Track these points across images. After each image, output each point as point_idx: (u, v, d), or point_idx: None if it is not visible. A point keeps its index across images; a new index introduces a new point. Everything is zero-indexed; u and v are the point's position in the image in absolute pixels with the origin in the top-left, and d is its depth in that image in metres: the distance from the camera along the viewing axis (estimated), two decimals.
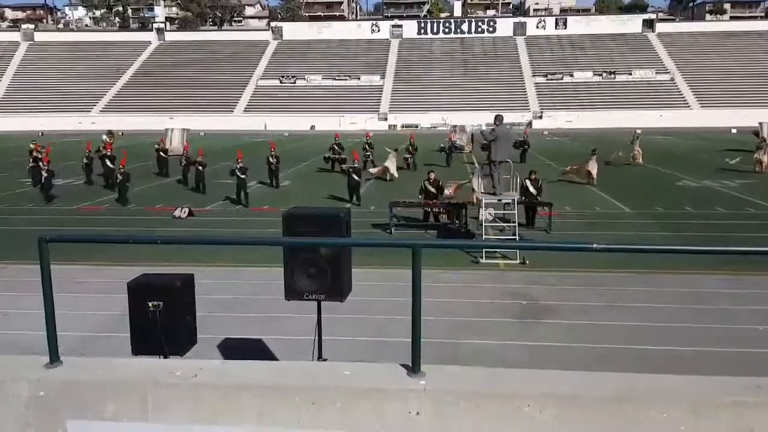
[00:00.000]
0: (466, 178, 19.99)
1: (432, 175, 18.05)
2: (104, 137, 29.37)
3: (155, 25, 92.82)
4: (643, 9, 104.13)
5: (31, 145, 28.84)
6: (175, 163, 27.78)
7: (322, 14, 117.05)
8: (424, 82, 77.37)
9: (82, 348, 8.33)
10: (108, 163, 24.98)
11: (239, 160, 21.03)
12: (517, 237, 13.94)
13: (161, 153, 29.16)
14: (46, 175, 22.16)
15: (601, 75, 76.53)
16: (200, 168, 23.42)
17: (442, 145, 34.01)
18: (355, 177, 21.22)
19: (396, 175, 26.17)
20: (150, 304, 4.96)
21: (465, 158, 32.30)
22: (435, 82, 77.12)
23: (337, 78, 79.07)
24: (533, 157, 32.97)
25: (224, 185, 23.24)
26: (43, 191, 22.30)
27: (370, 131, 42.07)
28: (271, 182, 24.96)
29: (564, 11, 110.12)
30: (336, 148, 29.69)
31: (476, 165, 16.14)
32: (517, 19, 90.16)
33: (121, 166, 21.84)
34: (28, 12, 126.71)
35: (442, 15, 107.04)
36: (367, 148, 29.83)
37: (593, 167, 24.61)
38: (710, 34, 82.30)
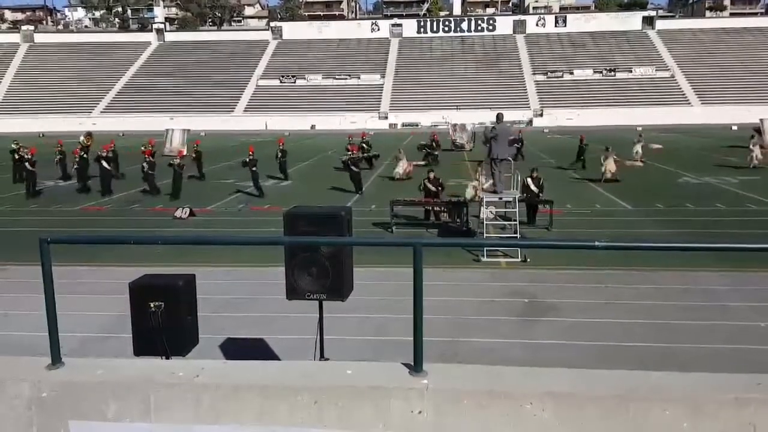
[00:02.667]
0: (463, 177, 19.99)
1: (432, 174, 18.06)
2: (82, 138, 29.00)
3: (155, 26, 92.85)
4: (642, 6, 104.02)
5: (13, 145, 27.52)
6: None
7: (322, 14, 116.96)
8: (425, 80, 77.38)
9: (83, 349, 8.34)
10: (104, 164, 23.54)
11: (251, 153, 22.29)
12: (518, 235, 13.94)
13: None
14: (77, 166, 22.71)
15: (601, 72, 76.53)
16: (177, 169, 22.03)
17: (423, 142, 33.56)
18: (354, 168, 22.10)
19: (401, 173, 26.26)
20: (151, 305, 4.96)
21: (466, 157, 32.23)
22: (435, 80, 77.13)
23: (337, 77, 79.10)
24: (535, 155, 32.91)
25: (223, 185, 23.23)
26: (80, 181, 23.03)
27: (370, 130, 42.10)
28: (285, 177, 26.33)
29: (564, 9, 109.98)
30: (365, 146, 29.68)
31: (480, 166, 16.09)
32: (516, 17, 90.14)
33: (147, 156, 21.60)
34: (28, 13, 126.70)
35: (442, 13, 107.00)
36: (365, 147, 29.80)
37: (612, 164, 24.74)
38: (710, 31, 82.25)
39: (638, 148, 31.00)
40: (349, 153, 23.08)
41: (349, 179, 22.86)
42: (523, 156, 30.15)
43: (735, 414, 2.90)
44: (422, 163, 29.45)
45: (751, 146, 29.35)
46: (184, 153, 30.45)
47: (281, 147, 26.42)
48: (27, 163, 23.24)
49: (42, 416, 3.22)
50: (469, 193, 16.88)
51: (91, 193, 23.36)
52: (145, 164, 21.56)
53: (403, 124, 69.80)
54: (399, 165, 26.64)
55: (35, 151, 24.21)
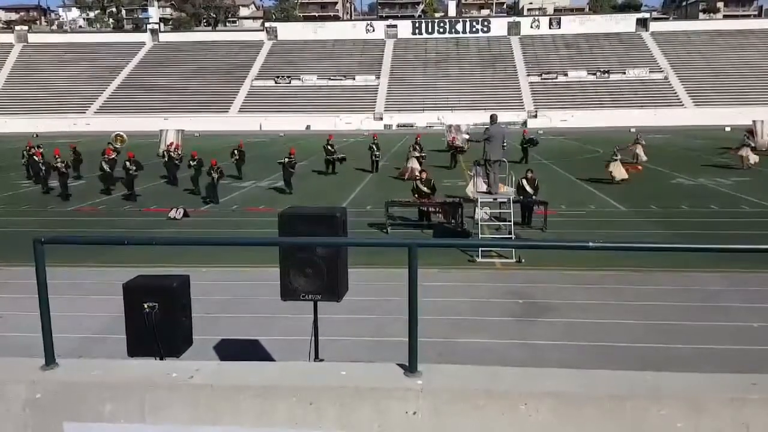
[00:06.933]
0: (458, 178, 20.00)
1: (424, 175, 18.07)
2: (113, 137, 29.12)
3: (149, 26, 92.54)
4: (636, 8, 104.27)
5: (37, 147, 27.88)
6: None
7: (317, 14, 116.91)
8: (420, 81, 77.40)
9: (78, 350, 8.30)
10: (131, 167, 22.31)
11: (292, 155, 23.77)
12: (513, 236, 13.97)
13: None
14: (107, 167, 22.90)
15: (595, 74, 76.68)
16: (214, 173, 21.30)
17: (454, 143, 33.18)
18: (290, 169, 23.43)
19: (412, 172, 25.92)
20: (145, 306, 4.94)
21: (461, 158, 32.22)
22: (430, 81, 77.17)
23: (332, 78, 79.00)
24: (530, 156, 32.89)
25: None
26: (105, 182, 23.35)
27: (365, 131, 41.96)
28: (238, 175, 27.18)
29: (558, 11, 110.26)
30: (330, 148, 29.70)
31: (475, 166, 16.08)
32: (511, 19, 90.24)
33: (213, 165, 21.37)
34: (22, 14, 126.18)
35: (437, 15, 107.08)
36: (375, 149, 29.72)
37: (616, 168, 24.67)
38: (704, 33, 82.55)
39: (639, 150, 31.09)
40: (291, 156, 23.63)
41: (329, 179, 23.04)
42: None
43: (730, 413, 2.91)
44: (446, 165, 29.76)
45: (741, 149, 29.55)
46: (179, 144, 30.55)
47: (240, 148, 28.10)
48: (61, 164, 22.93)
49: (37, 417, 3.20)
50: (469, 189, 16.91)
51: (111, 195, 23.17)
52: (215, 174, 21.35)
53: (398, 125, 69.82)
54: (412, 161, 26.61)
55: (58, 152, 24.19)
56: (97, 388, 3.21)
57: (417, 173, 25.20)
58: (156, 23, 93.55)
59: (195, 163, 23.64)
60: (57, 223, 18.45)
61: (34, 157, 26.61)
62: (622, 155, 25.79)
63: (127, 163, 22.50)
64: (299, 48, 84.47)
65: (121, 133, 33.58)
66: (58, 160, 23.20)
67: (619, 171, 24.49)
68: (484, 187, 14.71)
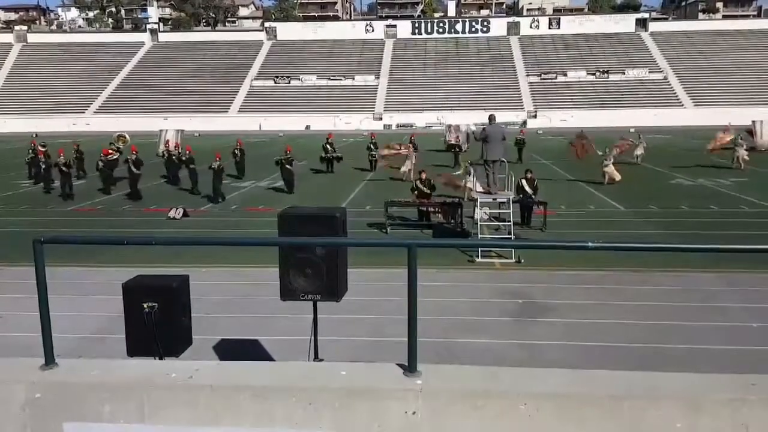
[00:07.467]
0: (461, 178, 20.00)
1: (424, 175, 18.06)
2: (114, 137, 29.51)
3: (149, 26, 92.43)
4: (635, 8, 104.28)
5: (40, 146, 28.08)
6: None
7: (316, 14, 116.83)
8: (419, 81, 77.37)
9: (77, 350, 8.30)
10: (133, 168, 22.48)
11: (288, 152, 23.72)
12: (512, 236, 13.97)
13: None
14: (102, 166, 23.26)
15: (594, 74, 76.67)
16: (216, 170, 21.63)
17: (451, 141, 32.68)
18: (288, 166, 23.47)
19: (409, 174, 25.78)
20: (145, 305, 4.95)
21: (460, 158, 32.17)
22: (429, 81, 77.14)
23: (331, 78, 78.97)
24: (528, 156, 32.92)
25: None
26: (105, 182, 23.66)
27: (371, 131, 42.00)
28: (238, 175, 27.22)
29: (557, 11, 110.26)
30: (329, 147, 29.71)
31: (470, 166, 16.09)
32: (510, 19, 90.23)
33: (217, 159, 21.45)
34: (21, 13, 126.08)
35: (436, 15, 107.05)
36: (372, 148, 29.76)
37: (610, 169, 24.65)
38: (703, 33, 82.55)
39: (640, 150, 31.07)
40: (287, 153, 23.70)
41: (328, 179, 22.95)
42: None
43: (729, 414, 2.92)
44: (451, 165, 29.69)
45: (735, 148, 29.64)
46: (177, 143, 30.66)
47: (240, 147, 28.05)
48: (63, 165, 22.88)
49: (36, 417, 3.20)
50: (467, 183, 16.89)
51: (111, 195, 23.15)
52: (100, 163, 21.40)
53: (398, 125, 69.81)
54: (405, 164, 26.51)
55: (62, 152, 24.05)
56: (97, 388, 3.21)
57: (409, 171, 25.32)
58: (155, 23, 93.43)
59: (186, 158, 23.85)
60: (57, 223, 18.45)
61: (37, 156, 26.65)
62: (614, 159, 25.74)
63: (131, 158, 22.59)
64: (299, 48, 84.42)
65: (124, 134, 33.57)
66: (61, 158, 23.21)
67: (615, 173, 24.53)
68: (482, 188, 14.73)
